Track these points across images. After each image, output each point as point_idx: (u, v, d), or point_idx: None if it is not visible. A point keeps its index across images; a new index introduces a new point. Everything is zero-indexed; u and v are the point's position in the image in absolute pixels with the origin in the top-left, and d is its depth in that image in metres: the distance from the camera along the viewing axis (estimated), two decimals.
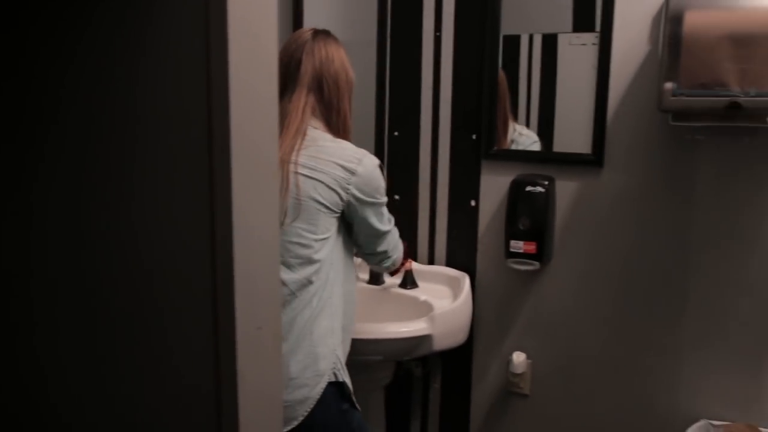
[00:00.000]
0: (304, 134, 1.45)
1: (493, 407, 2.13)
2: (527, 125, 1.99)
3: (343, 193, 1.43)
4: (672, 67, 1.60)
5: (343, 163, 1.44)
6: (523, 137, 1.99)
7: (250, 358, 0.80)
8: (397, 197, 2.13)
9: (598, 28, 1.84)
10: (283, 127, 1.45)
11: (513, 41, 1.97)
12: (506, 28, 1.97)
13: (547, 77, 1.95)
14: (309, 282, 1.42)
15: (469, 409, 2.16)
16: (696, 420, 1.81)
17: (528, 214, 1.90)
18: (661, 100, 1.62)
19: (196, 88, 0.72)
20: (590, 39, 1.86)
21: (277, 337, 0.87)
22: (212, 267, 0.76)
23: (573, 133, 1.93)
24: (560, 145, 1.96)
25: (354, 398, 1.49)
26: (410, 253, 2.07)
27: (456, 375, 2.17)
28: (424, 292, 1.99)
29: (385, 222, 1.55)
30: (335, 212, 1.44)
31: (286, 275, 1.40)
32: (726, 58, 1.54)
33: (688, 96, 1.59)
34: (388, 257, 1.62)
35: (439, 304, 1.91)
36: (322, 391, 1.41)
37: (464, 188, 2.06)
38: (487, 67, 1.98)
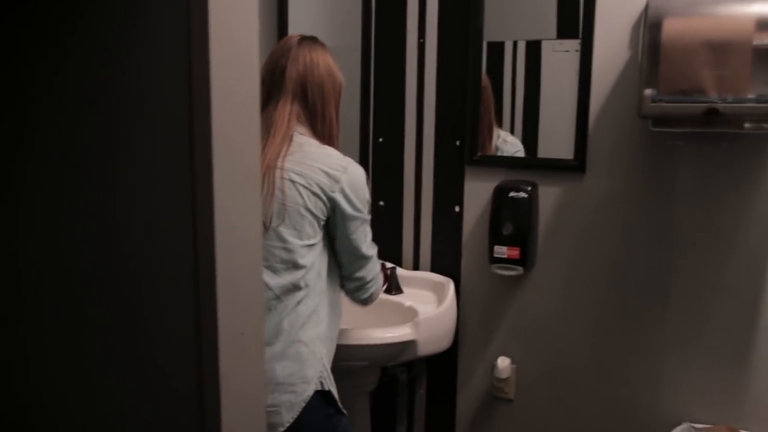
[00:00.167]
0: (291, 140, 1.46)
1: (478, 412, 2.14)
2: (512, 131, 2.01)
3: (327, 201, 1.43)
4: (651, 73, 1.62)
5: (328, 170, 1.44)
6: (508, 145, 2.01)
7: (233, 362, 0.80)
8: (381, 203, 2.14)
9: (581, 35, 1.86)
10: (269, 135, 1.45)
11: (497, 48, 1.99)
12: (490, 34, 1.98)
13: (531, 84, 1.97)
14: (295, 287, 1.42)
15: (455, 415, 2.17)
16: (678, 423, 1.83)
17: (511, 220, 1.91)
18: (641, 107, 1.64)
19: (178, 90, 0.73)
20: (573, 46, 1.88)
21: (260, 341, 0.87)
22: (194, 272, 0.76)
23: (556, 138, 1.95)
24: (543, 150, 1.97)
25: (340, 404, 1.49)
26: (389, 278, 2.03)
27: (441, 380, 2.17)
28: (408, 297, 2.00)
29: (368, 244, 1.52)
30: (321, 219, 1.44)
31: (271, 279, 1.40)
32: (704, 64, 1.56)
33: (667, 102, 1.61)
34: (366, 287, 1.56)
35: (423, 309, 1.92)
36: (308, 398, 1.41)
37: (448, 194, 2.07)
38: (471, 74, 2.00)
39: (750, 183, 1.71)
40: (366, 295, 1.58)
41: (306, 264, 1.42)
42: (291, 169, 1.42)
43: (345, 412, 1.51)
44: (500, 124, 2.01)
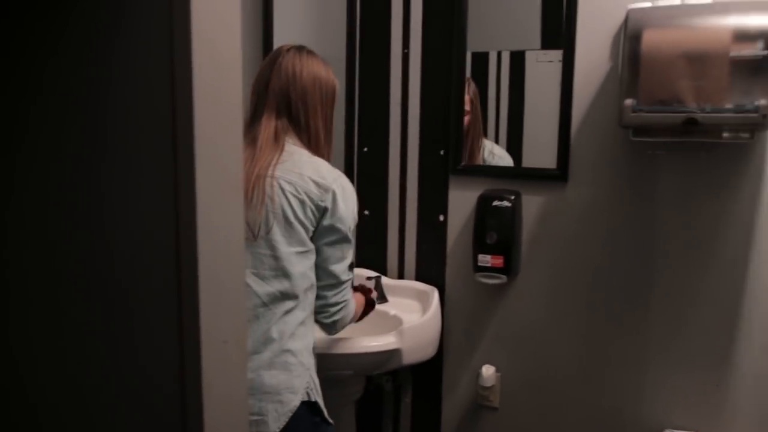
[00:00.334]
0: (282, 149, 1.46)
1: (464, 420, 2.14)
2: (496, 141, 2.03)
3: (315, 210, 1.43)
4: (632, 84, 1.64)
5: (318, 179, 1.43)
6: (495, 158, 2.03)
7: (216, 371, 0.80)
8: (366, 212, 2.15)
9: (563, 45, 1.89)
10: (256, 148, 1.45)
11: (481, 58, 2.01)
12: (475, 45, 2.00)
13: (515, 94, 1.99)
14: (284, 296, 1.41)
15: (440, 423, 2.17)
16: (660, 429, 1.85)
17: (495, 229, 1.93)
18: (622, 117, 1.66)
19: (162, 96, 0.74)
20: (557, 56, 1.90)
21: (242, 350, 0.87)
22: (177, 280, 0.77)
23: (539, 148, 1.97)
24: (527, 160, 1.99)
25: (326, 414, 1.49)
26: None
27: (426, 389, 2.18)
28: (393, 306, 2.01)
29: (342, 265, 1.48)
30: (310, 228, 1.44)
31: (259, 287, 1.40)
32: (682, 75, 1.58)
33: (647, 112, 1.63)
34: (328, 310, 1.50)
35: (408, 318, 1.92)
36: (295, 408, 1.41)
37: (433, 203, 2.08)
38: (454, 84, 2.01)
39: (728, 191, 1.74)
40: (328, 320, 1.51)
41: (295, 272, 1.42)
42: (281, 177, 1.42)
43: (331, 421, 1.51)
44: (486, 134, 2.03)
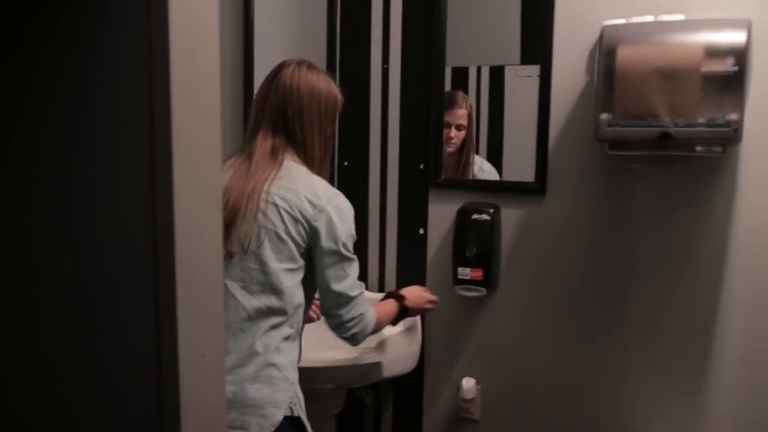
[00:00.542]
0: (281, 165, 1.45)
1: None
2: (476, 154, 2.05)
3: (309, 229, 1.42)
4: (607, 98, 1.67)
5: (313, 199, 1.43)
6: (485, 173, 2.04)
7: (194, 384, 0.81)
8: None
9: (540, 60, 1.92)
10: (251, 163, 1.45)
11: (461, 73, 2.03)
12: (455, 60, 2.03)
13: (495, 108, 2.01)
14: (270, 311, 1.41)
15: None
16: None
17: (474, 242, 1.94)
18: (598, 131, 1.69)
19: (141, 101, 0.74)
20: (536, 71, 1.92)
21: (220, 364, 0.88)
22: (155, 294, 0.77)
23: (518, 162, 1.99)
24: (506, 173, 2.02)
25: (309, 429, 1.49)
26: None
27: (407, 402, 2.18)
28: None
29: (348, 281, 1.47)
30: (302, 246, 1.43)
31: (246, 300, 1.40)
32: (656, 90, 1.61)
33: (622, 126, 1.66)
34: (344, 326, 1.50)
35: (388, 331, 1.93)
36: (278, 423, 1.40)
37: (413, 217, 2.10)
38: (434, 98, 2.03)
39: (702, 203, 1.77)
40: (346, 335, 1.52)
41: (284, 288, 1.41)
42: (276, 194, 1.42)
43: None
44: (477, 151, 2.05)
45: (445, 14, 2.00)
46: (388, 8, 2.08)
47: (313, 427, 1.51)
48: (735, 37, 1.57)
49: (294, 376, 1.45)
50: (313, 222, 1.42)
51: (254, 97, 1.55)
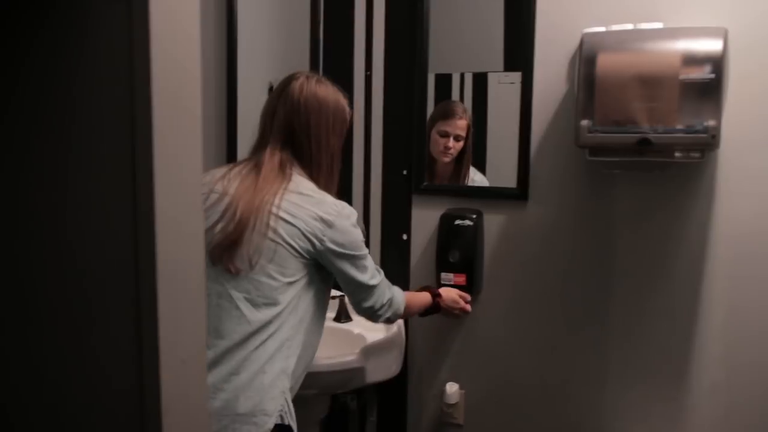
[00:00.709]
0: (289, 179, 1.46)
1: None
2: None
3: (318, 243, 1.44)
4: (587, 105, 1.69)
5: (322, 214, 1.44)
6: (477, 183, 2.06)
7: (175, 390, 0.81)
8: None
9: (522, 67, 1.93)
10: (259, 178, 1.45)
11: (445, 79, 2.05)
12: (439, 67, 2.04)
13: (478, 114, 2.03)
14: (269, 323, 1.42)
15: None
16: None
17: (458, 247, 1.96)
18: (578, 137, 1.70)
19: (122, 100, 0.75)
20: (518, 78, 1.94)
21: (201, 369, 0.88)
22: (136, 301, 0.77)
23: (501, 168, 2.00)
24: (489, 179, 2.03)
25: None
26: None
27: (391, 407, 2.19)
28: (357, 325, 2.02)
29: (367, 274, 1.52)
30: (306, 258, 1.44)
31: (250, 313, 1.41)
32: (636, 97, 1.64)
33: (602, 133, 1.68)
34: (378, 313, 1.58)
35: (371, 336, 1.93)
36: (269, 431, 1.40)
37: (396, 222, 2.11)
38: (417, 105, 2.05)
39: (682, 208, 1.79)
40: (381, 320, 1.63)
41: (284, 301, 1.43)
42: (285, 209, 1.42)
43: None
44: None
45: (428, 21, 2.02)
46: (371, 15, 2.09)
47: None
48: (712, 45, 1.59)
49: (285, 384, 1.45)
50: (321, 236, 1.44)
51: (263, 107, 1.56)
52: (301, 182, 1.47)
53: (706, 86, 1.58)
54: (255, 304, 1.41)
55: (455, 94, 2.05)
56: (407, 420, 2.18)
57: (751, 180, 1.73)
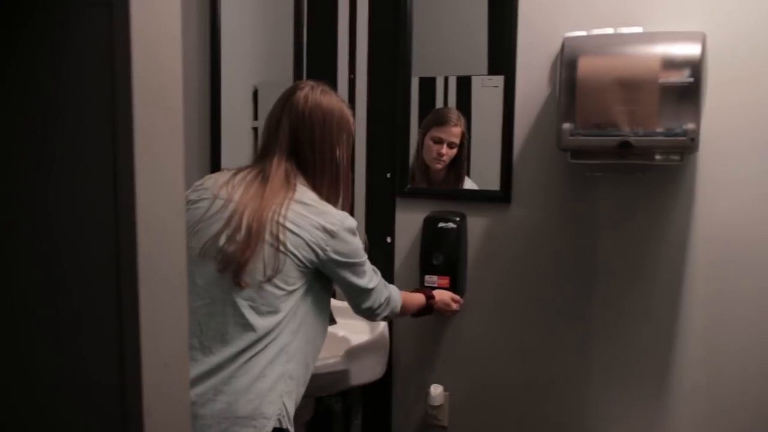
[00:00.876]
0: (294, 190, 1.47)
1: None
2: None
3: (321, 253, 1.45)
4: (569, 108, 1.70)
5: (326, 225, 1.45)
6: (466, 188, 2.07)
7: (157, 393, 0.81)
8: None
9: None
10: (265, 187, 1.46)
11: (429, 83, 2.06)
12: (423, 70, 2.05)
13: (462, 117, 2.04)
14: (274, 329, 1.43)
15: None
16: None
17: (441, 250, 1.97)
18: (560, 140, 1.72)
19: (103, 106, 0.75)
20: (501, 81, 1.95)
21: (183, 373, 0.88)
22: (117, 304, 0.77)
23: (484, 170, 2.02)
24: (471, 180, 2.04)
25: None
26: None
27: (376, 409, 2.19)
28: (342, 327, 2.02)
29: (365, 278, 1.56)
30: (308, 268, 1.46)
31: (256, 321, 1.41)
32: (616, 100, 1.65)
33: (584, 136, 1.69)
34: (376, 313, 1.63)
35: (356, 339, 1.94)
36: None
37: (380, 225, 2.11)
38: (400, 108, 2.06)
39: (663, 210, 1.81)
40: (379, 319, 1.69)
41: (285, 309, 1.44)
42: (291, 219, 1.43)
43: None
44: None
45: (411, 25, 2.03)
46: (354, 18, 2.10)
47: None
48: (690, 50, 1.61)
49: (283, 388, 1.45)
50: (324, 245, 1.45)
51: (268, 114, 1.57)
52: (304, 192, 1.49)
53: (685, 90, 1.61)
54: (259, 312, 1.42)
55: (439, 97, 2.06)
56: (392, 422, 2.18)
57: (730, 182, 1.75)
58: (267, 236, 1.41)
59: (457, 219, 1.97)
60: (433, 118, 2.07)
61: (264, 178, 1.48)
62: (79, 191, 0.78)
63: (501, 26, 1.93)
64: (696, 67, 1.60)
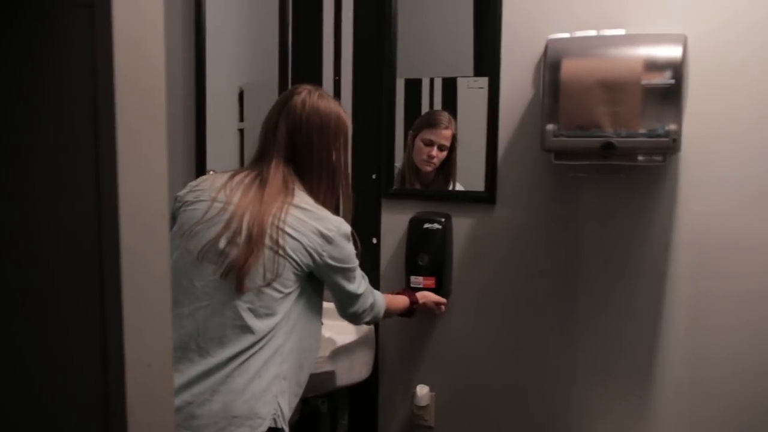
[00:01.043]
0: (293, 195, 1.48)
1: None
2: None
3: (317, 258, 1.46)
4: (552, 110, 1.72)
5: (323, 230, 1.46)
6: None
7: (141, 394, 0.81)
8: None
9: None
10: (264, 192, 1.47)
11: (414, 84, 2.06)
12: (409, 71, 2.06)
13: None
14: (270, 331, 1.44)
15: None
16: None
17: (427, 250, 1.97)
18: (544, 141, 1.73)
19: (84, 106, 0.75)
20: (486, 83, 1.96)
21: (167, 375, 0.88)
22: (101, 305, 0.77)
23: (469, 171, 2.03)
24: (459, 183, 2.05)
25: None
26: None
27: (362, 410, 2.20)
28: (327, 329, 2.02)
29: (355, 284, 1.58)
30: (304, 271, 1.47)
31: (254, 324, 1.42)
32: (599, 102, 1.67)
33: (567, 137, 1.71)
34: (360, 317, 1.64)
35: (342, 339, 1.94)
36: None
37: (366, 226, 2.12)
38: (385, 109, 2.06)
39: (646, 210, 1.83)
40: (362, 323, 1.71)
41: (281, 310, 1.45)
42: (290, 224, 1.44)
43: None
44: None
45: (396, 26, 2.03)
46: (339, 20, 2.10)
47: None
48: (672, 52, 1.63)
49: (278, 388, 1.46)
50: (321, 250, 1.46)
51: (265, 117, 1.57)
52: (302, 197, 1.49)
53: (667, 91, 1.62)
54: (257, 315, 1.42)
55: (425, 99, 2.07)
56: (378, 423, 2.19)
57: (711, 182, 1.77)
58: (267, 240, 1.42)
59: (443, 220, 1.97)
60: (424, 120, 2.07)
61: (262, 181, 1.49)
62: (62, 192, 0.78)
63: (486, 28, 1.94)
64: (677, 68, 1.62)
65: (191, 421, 1.38)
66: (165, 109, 0.81)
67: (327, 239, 1.46)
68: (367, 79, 2.09)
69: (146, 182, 0.80)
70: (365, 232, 2.12)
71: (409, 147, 2.08)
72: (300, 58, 2.16)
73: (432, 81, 2.06)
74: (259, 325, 1.42)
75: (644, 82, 1.64)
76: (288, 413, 1.50)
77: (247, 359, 1.42)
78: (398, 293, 1.93)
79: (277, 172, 1.49)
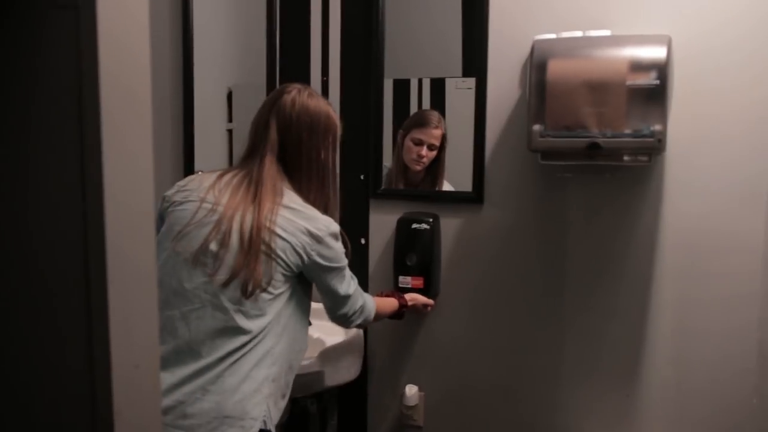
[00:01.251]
0: (282, 195, 1.48)
1: None
2: None
3: (306, 258, 1.46)
4: (539, 110, 1.73)
5: (312, 229, 1.46)
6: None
7: (127, 395, 0.81)
8: None
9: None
10: (258, 193, 1.47)
11: (403, 85, 2.07)
12: (397, 72, 2.06)
13: None
14: (261, 332, 1.44)
15: None
16: None
17: (415, 251, 1.98)
18: (530, 141, 1.74)
19: (70, 105, 0.75)
20: (474, 83, 1.97)
21: (154, 375, 0.88)
22: (87, 305, 0.77)
23: (457, 172, 2.03)
24: (445, 183, 2.06)
25: None
26: None
27: (352, 410, 2.20)
28: (316, 329, 2.01)
29: (345, 285, 1.57)
30: (293, 271, 1.47)
31: (244, 324, 1.42)
32: (585, 102, 1.68)
33: (553, 137, 1.72)
34: (350, 320, 1.63)
35: (330, 340, 1.94)
36: None
37: (354, 227, 2.12)
38: (373, 110, 2.07)
39: (631, 210, 1.84)
40: (353, 326, 1.68)
41: (271, 312, 1.45)
42: (280, 225, 1.44)
43: None
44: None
45: (384, 26, 2.04)
46: (327, 20, 2.11)
47: None
48: (657, 52, 1.65)
49: (268, 391, 1.46)
50: (310, 250, 1.46)
51: (254, 116, 1.57)
52: (292, 197, 1.49)
53: (652, 92, 1.64)
54: (248, 316, 1.43)
55: (413, 99, 2.07)
56: (367, 423, 2.19)
57: (696, 182, 1.78)
58: (264, 246, 1.42)
59: (431, 220, 1.98)
60: (414, 119, 2.08)
61: (251, 181, 1.48)
62: (48, 192, 0.78)
63: (473, 28, 1.95)
64: (662, 69, 1.63)
65: (183, 421, 1.38)
66: (150, 108, 0.82)
67: (316, 238, 1.46)
68: (355, 79, 2.09)
69: (132, 180, 0.80)
70: (354, 232, 2.12)
71: (398, 146, 2.09)
72: (288, 58, 2.16)
73: (420, 81, 2.06)
74: (250, 325, 1.42)
75: (629, 82, 1.65)
76: (276, 416, 1.50)
77: (238, 359, 1.42)
78: (386, 295, 1.93)
79: (266, 172, 1.49)
